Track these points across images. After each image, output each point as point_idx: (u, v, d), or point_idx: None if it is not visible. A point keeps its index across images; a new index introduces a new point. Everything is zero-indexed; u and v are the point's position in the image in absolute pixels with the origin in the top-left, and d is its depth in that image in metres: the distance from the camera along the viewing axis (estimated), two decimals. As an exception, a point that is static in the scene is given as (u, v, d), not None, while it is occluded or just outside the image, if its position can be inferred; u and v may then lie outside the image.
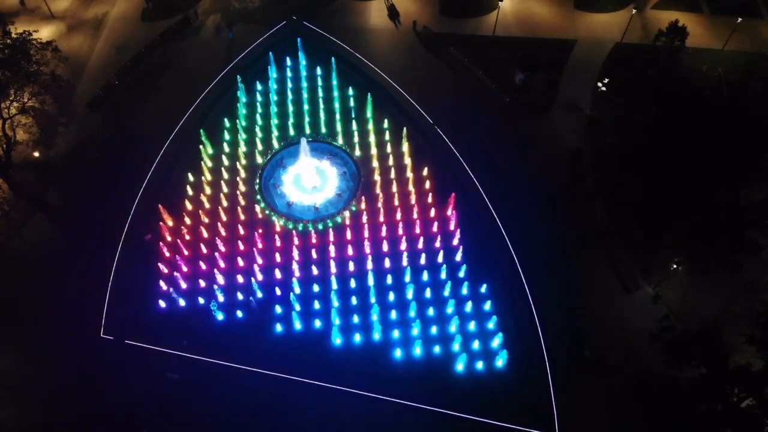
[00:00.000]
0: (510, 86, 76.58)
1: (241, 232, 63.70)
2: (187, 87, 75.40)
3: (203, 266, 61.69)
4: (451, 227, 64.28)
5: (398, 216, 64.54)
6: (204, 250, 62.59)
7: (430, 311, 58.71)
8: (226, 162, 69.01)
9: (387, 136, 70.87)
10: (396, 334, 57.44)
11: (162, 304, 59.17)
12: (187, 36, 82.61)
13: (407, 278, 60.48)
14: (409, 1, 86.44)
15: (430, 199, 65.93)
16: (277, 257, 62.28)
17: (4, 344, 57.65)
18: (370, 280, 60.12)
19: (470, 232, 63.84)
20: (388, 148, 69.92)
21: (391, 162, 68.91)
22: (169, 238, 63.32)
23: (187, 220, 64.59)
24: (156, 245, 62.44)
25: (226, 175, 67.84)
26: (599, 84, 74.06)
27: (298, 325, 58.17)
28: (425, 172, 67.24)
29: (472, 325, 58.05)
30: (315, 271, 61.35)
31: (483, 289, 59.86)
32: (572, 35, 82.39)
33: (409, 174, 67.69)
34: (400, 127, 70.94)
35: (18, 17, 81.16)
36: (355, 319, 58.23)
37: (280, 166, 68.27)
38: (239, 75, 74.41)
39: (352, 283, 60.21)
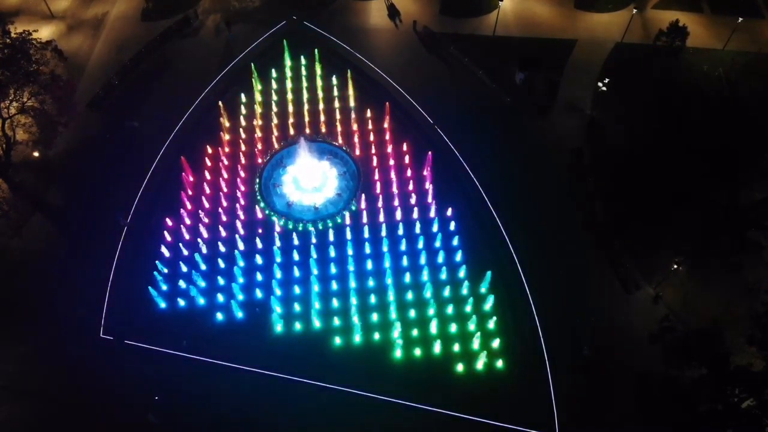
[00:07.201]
0: (510, 86, 76.54)
1: (241, 231, 63.69)
2: (187, 87, 75.40)
3: (203, 266, 61.73)
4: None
5: (398, 216, 64.53)
6: (204, 249, 62.61)
7: (430, 311, 58.57)
8: (226, 161, 69.01)
9: (387, 136, 70.90)
10: (396, 333, 57.24)
11: (162, 305, 59.20)
12: (187, 36, 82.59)
13: (407, 279, 60.45)
14: (409, 0, 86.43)
15: (429, 199, 65.98)
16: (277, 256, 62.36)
17: (4, 344, 57.57)
18: (371, 281, 60.10)
19: (470, 231, 63.84)
20: (389, 148, 69.97)
21: (391, 162, 68.92)
22: (169, 238, 63.38)
23: (187, 220, 64.61)
24: (157, 247, 62.58)
25: (225, 175, 67.91)
26: (600, 84, 74.01)
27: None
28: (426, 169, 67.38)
29: (471, 326, 57.87)
30: (315, 271, 61.30)
31: (482, 289, 59.83)
32: (572, 35, 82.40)
33: (409, 173, 67.71)
34: (401, 128, 71.07)
35: (18, 17, 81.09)
36: (355, 320, 58.04)
37: (279, 166, 68.22)
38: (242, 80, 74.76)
39: (352, 283, 60.13)
